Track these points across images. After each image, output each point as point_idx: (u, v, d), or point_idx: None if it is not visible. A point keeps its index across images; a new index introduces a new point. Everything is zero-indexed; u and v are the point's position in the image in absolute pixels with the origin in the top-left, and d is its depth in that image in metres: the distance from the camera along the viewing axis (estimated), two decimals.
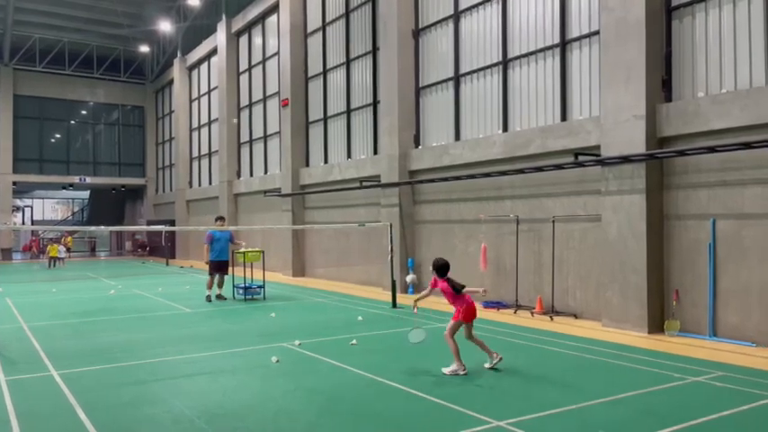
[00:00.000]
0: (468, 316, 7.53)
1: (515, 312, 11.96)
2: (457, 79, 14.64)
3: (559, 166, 11.44)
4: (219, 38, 27.97)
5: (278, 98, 23.09)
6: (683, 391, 6.53)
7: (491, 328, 10.42)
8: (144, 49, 36.63)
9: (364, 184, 16.97)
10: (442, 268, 7.74)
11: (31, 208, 56.09)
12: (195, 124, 33.27)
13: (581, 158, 10.84)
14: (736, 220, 8.96)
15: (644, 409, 5.90)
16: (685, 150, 9.33)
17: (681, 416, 5.65)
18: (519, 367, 7.65)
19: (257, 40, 25.81)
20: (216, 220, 15.54)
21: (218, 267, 14.79)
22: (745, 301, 8.84)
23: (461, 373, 7.22)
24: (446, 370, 7.30)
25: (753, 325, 8.73)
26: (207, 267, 15.01)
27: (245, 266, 15.17)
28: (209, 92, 31.15)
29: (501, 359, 7.53)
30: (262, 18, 24.97)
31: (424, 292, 8.04)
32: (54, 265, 28.14)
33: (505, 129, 13.30)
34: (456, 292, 7.53)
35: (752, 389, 6.46)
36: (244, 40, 26.92)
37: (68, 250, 38.38)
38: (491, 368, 7.48)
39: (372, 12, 17.79)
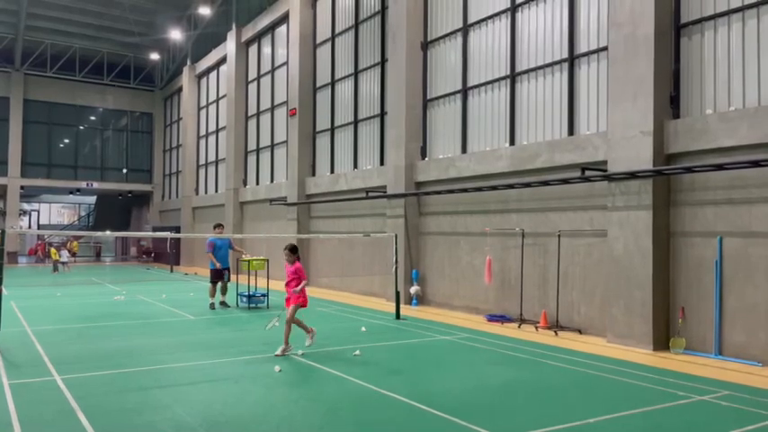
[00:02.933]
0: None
1: (519, 326, 11.91)
2: (464, 92, 14.68)
3: (566, 181, 11.44)
4: (229, 47, 28.18)
5: (286, 107, 23.19)
6: (688, 409, 6.48)
7: (495, 341, 10.38)
8: (154, 56, 36.91)
9: (370, 194, 16.99)
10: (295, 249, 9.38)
11: (38, 212, 56.39)
12: (203, 132, 33.44)
13: (588, 173, 10.83)
14: (743, 238, 8.92)
15: (648, 428, 5.86)
16: (693, 167, 9.32)
17: None
18: (522, 382, 7.61)
19: (266, 50, 25.98)
20: (214, 227, 15.54)
21: (220, 275, 14.81)
22: (751, 320, 8.78)
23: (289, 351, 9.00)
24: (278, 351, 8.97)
25: (759, 344, 8.66)
26: (209, 275, 15.03)
27: (249, 275, 15.18)
28: (217, 100, 31.33)
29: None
30: (271, 28, 25.15)
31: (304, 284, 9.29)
32: (57, 270, 28.14)
33: (512, 142, 13.31)
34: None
35: (757, 409, 6.41)
36: (253, 49, 27.10)
37: (74, 255, 38.49)
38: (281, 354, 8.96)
39: (381, 23, 17.89)
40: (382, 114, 17.74)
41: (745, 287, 8.87)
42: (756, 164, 8.50)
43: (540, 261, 12.30)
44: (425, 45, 15.94)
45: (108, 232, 18.00)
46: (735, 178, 9.01)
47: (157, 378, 7.66)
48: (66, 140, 38.62)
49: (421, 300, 15.37)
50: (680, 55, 10.01)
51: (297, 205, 21.18)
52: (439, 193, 14.76)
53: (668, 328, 9.79)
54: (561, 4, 12.28)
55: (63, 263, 28.69)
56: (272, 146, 24.94)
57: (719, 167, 8.99)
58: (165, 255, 33.52)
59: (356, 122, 19.10)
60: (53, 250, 29.24)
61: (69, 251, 35.61)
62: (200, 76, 33.75)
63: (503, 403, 6.66)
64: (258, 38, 26.46)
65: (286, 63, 23.35)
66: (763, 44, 8.95)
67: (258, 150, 26.33)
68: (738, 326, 8.93)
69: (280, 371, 7.95)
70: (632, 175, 9.96)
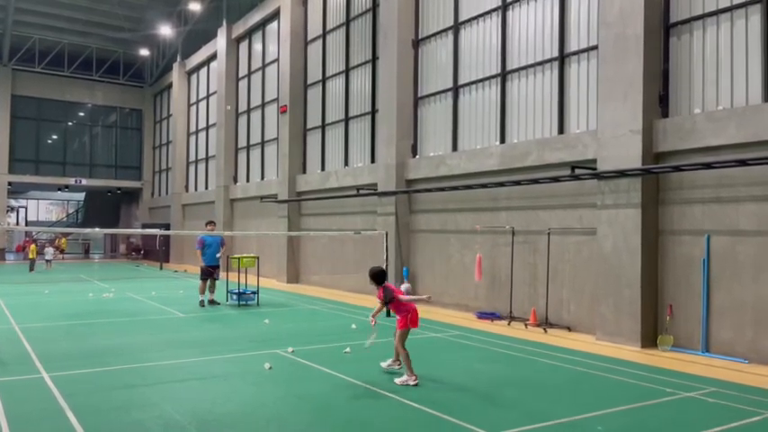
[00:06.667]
0: (415, 321, 7.59)
1: (509, 324, 11.96)
2: (455, 90, 14.70)
3: (556, 179, 11.48)
4: (219, 43, 28.04)
5: (276, 104, 23.12)
6: (675, 406, 6.54)
7: (485, 339, 10.42)
8: (144, 52, 36.62)
9: (361, 192, 16.98)
10: (376, 276, 7.70)
11: (26, 209, 55.89)
12: (193, 128, 33.28)
13: (577, 171, 10.88)
14: (730, 236, 9.00)
15: (635, 424, 5.91)
16: (681, 166, 9.38)
17: (672, 431, 5.65)
18: (512, 379, 7.65)
19: (257, 46, 25.87)
20: (206, 224, 15.50)
21: (210, 272, 14.76)
22: (738, 318, 8.87)
23: (412, 383, 7.14)
24: (398, 381, 7.25)
25: (746, 341, 8.75)
26: (199, 272, 14.98)
27: (239, 272, 15.13)
28: (207, 96, 31.17)
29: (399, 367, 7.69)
30: (262, 24, 25.05)
31: (378, 307, 7.76)
32: (33, 268, 26.60)
33: (503, 140, 13.35)
34: (384, 302, 7.59)
35: (743, 405, 6.48)
36: (244, 45, 26.99)
37: (62, 252, 38.06)
38: (386, 367, 7.84)
39: (373, 21, 17.87)
40: (373, 112, 17.73)
41: (732, 285, 8.95)
42: (744, 163, 8.57)
43: (530, 259, 12.35)
44: (417, 43, 15.94)
45: (97, 229, 17.82)
46: (722, 177, 9.09)
47: (146, 376, 7.63)
48: (55, 136, 38.30)
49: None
50: (669, 54, 10.07)
51: (287, 202, 21.14)
52: (429, 191, 14.78)
53: (656, 325, 9.87)
54: (552, 2, 12.31)
55: (47, 261, 27.98)
56: (263, 143, 24.86)
57: (707, 166, 9.05)
58: (155, 252, 33.33)
59: (347, 120, 19.08)
60: (32, 247, 27.97)
61: (57, 248, 35.18)
62: (190, 73, 33.56)
63: (492, 400, 6.68)
64: (249, 34, 26.35)
65: (277, 60, 23.27)
66: (751, 44, 9.02)
67: (249, 147, 26.23)
68: (725, 323, 9.02)
69: (270, 368, 7.94)
70: (621, 174, 10.01)
